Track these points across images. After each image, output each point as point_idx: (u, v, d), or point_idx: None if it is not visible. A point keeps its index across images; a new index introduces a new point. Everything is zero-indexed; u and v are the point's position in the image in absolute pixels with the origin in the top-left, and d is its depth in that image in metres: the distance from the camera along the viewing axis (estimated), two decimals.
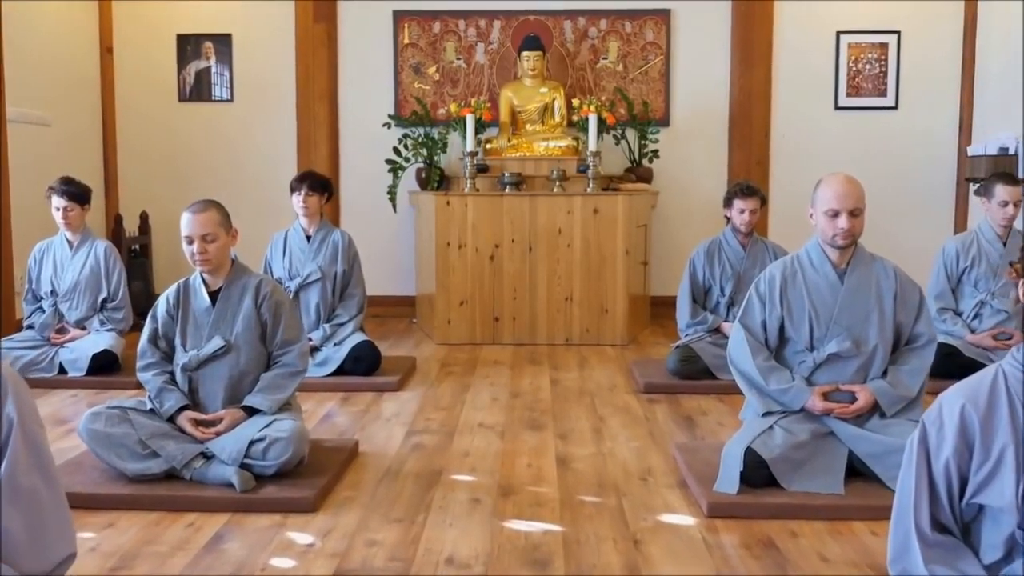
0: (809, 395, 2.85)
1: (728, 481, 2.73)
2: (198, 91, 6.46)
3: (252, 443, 2.79)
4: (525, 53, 6.09)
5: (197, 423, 2.92)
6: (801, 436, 2.78)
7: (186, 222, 2.94)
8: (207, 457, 2.83)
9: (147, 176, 6.46)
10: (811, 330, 2.91)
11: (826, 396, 2.86)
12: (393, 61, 6.41)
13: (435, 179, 5.99)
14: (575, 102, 6.03)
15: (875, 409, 2.85)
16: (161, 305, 3.08)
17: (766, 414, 2.88)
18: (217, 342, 2.98)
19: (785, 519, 2.62)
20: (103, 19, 6.37)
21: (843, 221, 2.80)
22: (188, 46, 6.43)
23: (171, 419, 2.94)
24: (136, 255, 6.25)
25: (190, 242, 2.94)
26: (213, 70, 6.44)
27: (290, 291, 4.50)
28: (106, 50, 6.39)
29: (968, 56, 6.24)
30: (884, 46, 6.28)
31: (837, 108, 6.34)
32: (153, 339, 3.07)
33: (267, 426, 2.84)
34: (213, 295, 3.03)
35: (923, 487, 1.65)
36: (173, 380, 3.01)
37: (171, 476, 2.82)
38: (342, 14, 6.40)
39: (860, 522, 2.60)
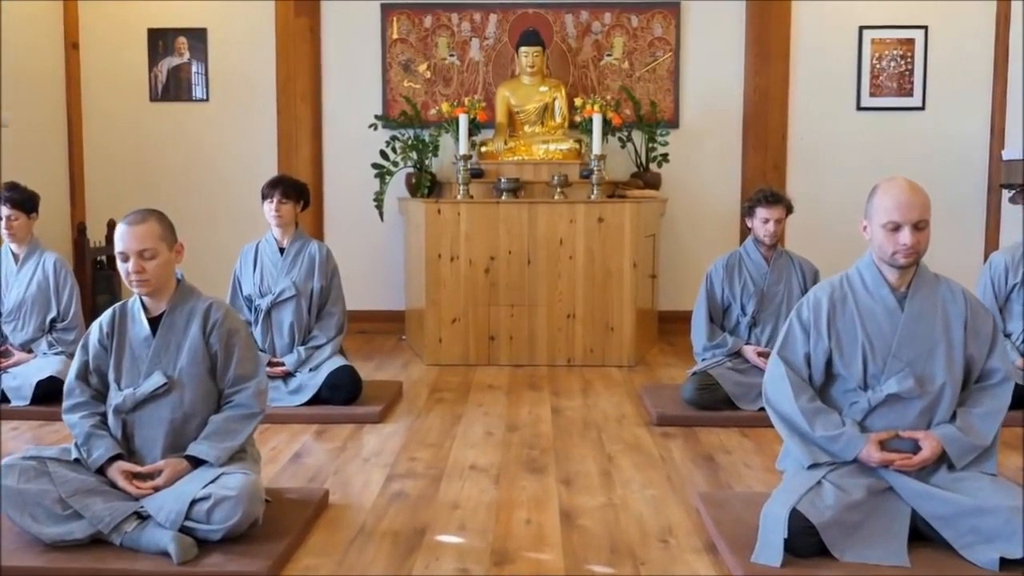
0: (864, 444, 2.38)
1: (770, 550, 2.26)
2: (171, 90, 6.01)
3: (195, 502, 2.31)
4: (523, 49, 5.67)
5: (131, 476, 2.45)
6: (855, 494, 2.31)
7: (120, 235, 2.48)
8: (142, 518, 2.36)
9: (115, 181, 6.01)
10: (865, 365, 2.44)
11: (884, 445, 2.39)
12: (381, 58, 5.98)
13: (425, 185, 5.56)
14: (577, 102, 5.60)
15: (942, 460, 2.39)
16: (93, 333, 2.61)
17: (812, 466, 2.42)
18: (157, 378, 2.51)
19: None
20: (68, 12, 5.93)
21: (906, 236, 2.35)
22: (160, 41, 5.99)
23: (101, 471, 2.47)
24: (102, 267, 5.78)
25: (125, 259, 2.48)
26: (188, 68, 6.00)
27: (261, 310, 4.06)
28: (71, 45, 5.94)
29: (1001, 52, 5.81)
30: (910, 42, 5.84)
31: (859, 108, 5.91)
32: (83, 374, 2.60)
33: (213, 481, 2.36)
34: (154, 322, 2.57)
35: None
36: (105, 424, 2.54)
37: (98, 541, 2.34)
38: (325, 8, 5.98)
39: None
